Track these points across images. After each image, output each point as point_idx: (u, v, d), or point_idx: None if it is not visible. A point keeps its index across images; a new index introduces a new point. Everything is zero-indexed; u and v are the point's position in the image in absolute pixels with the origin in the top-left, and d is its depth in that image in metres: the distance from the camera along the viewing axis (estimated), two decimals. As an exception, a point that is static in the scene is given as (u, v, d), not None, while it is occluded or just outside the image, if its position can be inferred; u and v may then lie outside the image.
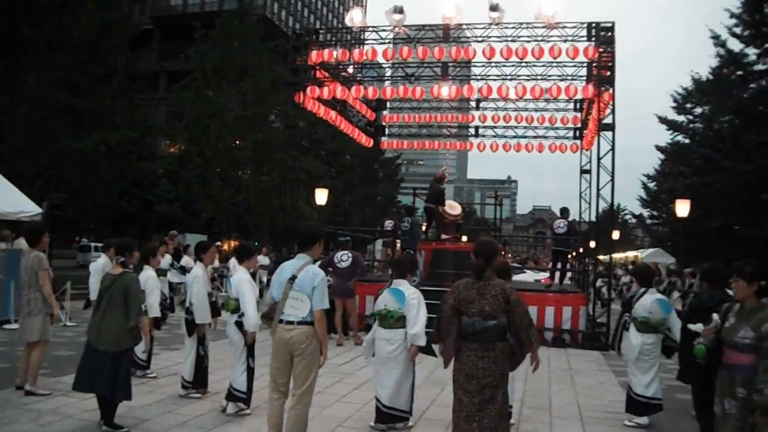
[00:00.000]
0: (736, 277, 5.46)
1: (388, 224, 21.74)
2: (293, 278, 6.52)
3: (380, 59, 20.43)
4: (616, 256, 42.61)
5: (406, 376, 8.01)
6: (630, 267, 36.37)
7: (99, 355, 7.30)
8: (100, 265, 12.06)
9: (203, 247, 9.74)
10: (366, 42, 20.42)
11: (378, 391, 8.05)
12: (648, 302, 8.80)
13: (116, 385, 7.30)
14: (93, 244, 47.79)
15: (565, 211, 20.51)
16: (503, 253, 21.64)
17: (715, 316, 5.84)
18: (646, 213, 55.79)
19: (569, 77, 20.71)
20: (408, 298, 7.94)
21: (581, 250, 22.90)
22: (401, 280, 8.26)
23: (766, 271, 5.30)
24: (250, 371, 8.39)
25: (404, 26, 19.09)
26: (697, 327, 8.33)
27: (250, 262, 8.88)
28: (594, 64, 18.91)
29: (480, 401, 5.93)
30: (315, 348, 6.49)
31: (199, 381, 9.35)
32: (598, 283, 20.40)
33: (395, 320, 7.98)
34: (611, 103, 18.48)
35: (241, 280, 8.46)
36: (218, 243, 17.70)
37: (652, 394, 8.84)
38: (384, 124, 28.46)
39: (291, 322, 6.49)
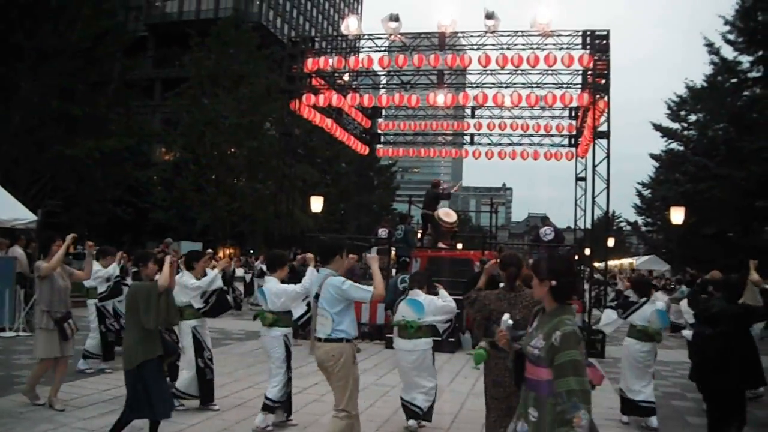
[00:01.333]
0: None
1: (382, 232, 21.75)
2: (317, 296, 6.63)
3: (376, 67, 20.44)
4: (612, 263, 42.69)
5: (433, 378, 8.35)
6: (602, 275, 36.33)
7: (126, 376, 7.06)
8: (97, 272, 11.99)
9: (195, 256, 9.60)
10: (362, 50, 20.47)
11: (413, 397, 8.34)
12: (648, 312, 9.00)
13: (152, 402, 6.93)
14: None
15: (546, 219, 20.65)
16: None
17: (506, 316, 5.40)
18: (641, 220, 55.98)
19: (564, 85, 20.73)
20: (426, 306, 8.13)
21: (576, 257, 22.91)
22: (417, 291, 8.40)
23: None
24: (289, 381, 8.36)
25: (400, 34, 19.12)
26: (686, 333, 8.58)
27: (282, 271, 8.51)
28: (589, 72, 18.97)
29: (507, 407, 5.99)
30: (344, 365, 6.50)
31: (206, 394, 9.11)
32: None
33: (415, 330, 8.14)
34: (606, 111, 18.55)
35: (275, 289, 8.27)
36: (209, 250, 17.56)
37: (645, 398, 9.03)
38: (379, 131, 28.46)
39: (319, 339, 6.59)
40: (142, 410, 6.95)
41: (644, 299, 9.17)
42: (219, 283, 9.11)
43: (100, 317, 11.75)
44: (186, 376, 9.05)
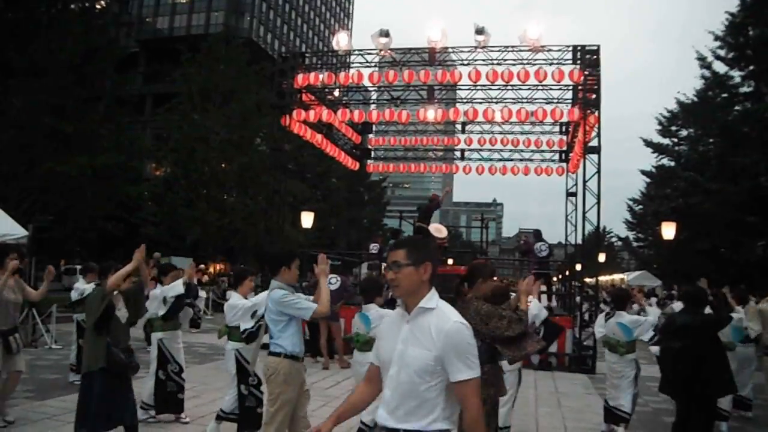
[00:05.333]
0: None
1: (373, 247, 21.71)
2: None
3: (366, 82, 20.49)
4: (603, 278, 42.67)
5: None
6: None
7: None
8: (81, 289, 11.70)
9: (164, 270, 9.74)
10: (352, 65, 20.45)
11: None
12: (612, 324, 9.30)
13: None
14: (78, 267, 47.45)
15: (539, 234, 20.62)
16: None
17: None
18: (632, 236, 56.02)
19: (555, 100, 20.75)
20: (373, 321, 7.92)
21: (567, 272, 22.87)
22: (370, 305, 8.20)
23: None
24: (241, 396, 8.23)
25: (390, 50, 19.12)
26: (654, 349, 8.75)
27: (245, 286, 8.43)
28: (579, 87, 18.97)
29: None
30: (276, 382, 6.32)
31: (162, 405, 9.09)
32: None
33: (362, 344, 8.11)
34: (597, 126, 18.54)
35: (230, 303, 8.28)
36: (202, 266, 17.51)
37: (616, 404, 9.20)
38: (370, 147, 28.46)
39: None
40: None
41: (615, 312, 9.43)
42: (179, 290, 9.06)
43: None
44: (149, 386, 9.08)
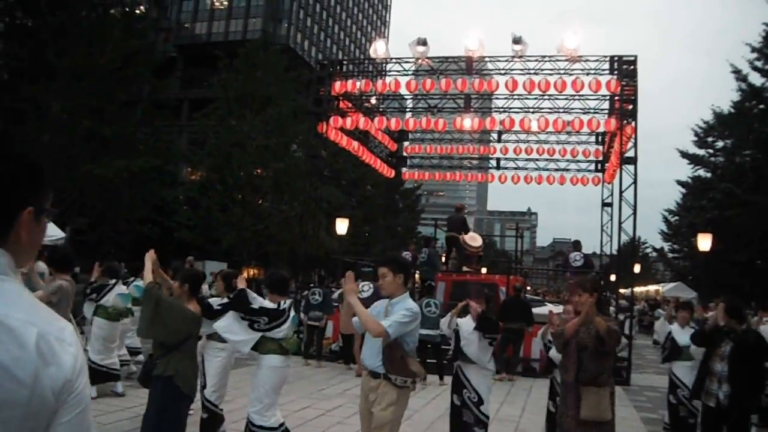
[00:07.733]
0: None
1: (406, 255, 21.74)
2: None
3: (403, 90, 20.45)
4: (637, 289, 42.40)
5: None
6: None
7: None
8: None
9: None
10: (389, 73, 20.45)
11: None
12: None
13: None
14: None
15: (578, 244, 20.52)
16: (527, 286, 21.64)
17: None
18: (667, 247, 55.59)
19: (591, 110, 20.65)
20: None
21: (602, 282, 22.77)
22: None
23: None
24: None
25: (427, 58, 19.16)
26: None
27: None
28: (616, 98, 18.90)
29: None
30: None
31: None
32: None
33: None
34: (633, 136, 18.46)
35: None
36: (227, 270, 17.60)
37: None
38: (405, 154, 28.42)
39: None
40: None
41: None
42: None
43: None
44: None
